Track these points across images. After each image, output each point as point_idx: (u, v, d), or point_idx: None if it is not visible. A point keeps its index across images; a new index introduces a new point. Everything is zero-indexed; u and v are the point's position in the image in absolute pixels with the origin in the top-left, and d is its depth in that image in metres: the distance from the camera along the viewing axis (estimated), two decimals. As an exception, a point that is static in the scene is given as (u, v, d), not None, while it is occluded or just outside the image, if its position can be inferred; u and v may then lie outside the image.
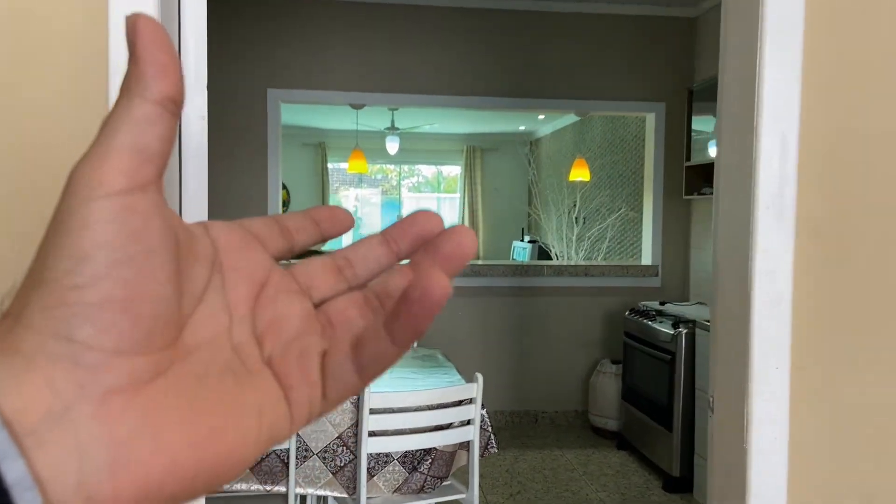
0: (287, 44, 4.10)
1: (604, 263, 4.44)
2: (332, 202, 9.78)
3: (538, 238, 7.36)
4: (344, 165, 9.87)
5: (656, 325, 3.54)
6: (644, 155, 5.12)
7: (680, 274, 4.47)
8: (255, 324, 0.26)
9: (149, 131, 0.21)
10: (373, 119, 7.33)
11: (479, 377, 2.19)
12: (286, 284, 0.27)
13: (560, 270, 4.33)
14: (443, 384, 2.28)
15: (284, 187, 9.58)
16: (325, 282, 0.28)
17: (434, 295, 0.23)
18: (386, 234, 0.29)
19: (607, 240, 5.58)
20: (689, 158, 4.04)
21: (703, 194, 3.87)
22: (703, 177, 3.96)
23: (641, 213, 5.50)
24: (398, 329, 0.24)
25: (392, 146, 6.78)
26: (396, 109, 6.78)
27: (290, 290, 0.27)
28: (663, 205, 4.44)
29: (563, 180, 5.74)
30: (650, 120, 4.49)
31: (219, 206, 4.24)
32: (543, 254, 6.51)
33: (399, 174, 10.13)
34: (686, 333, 3.32)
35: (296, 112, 7.61)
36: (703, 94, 3.96)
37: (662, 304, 3.90)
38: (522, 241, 7.27)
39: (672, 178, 4.44)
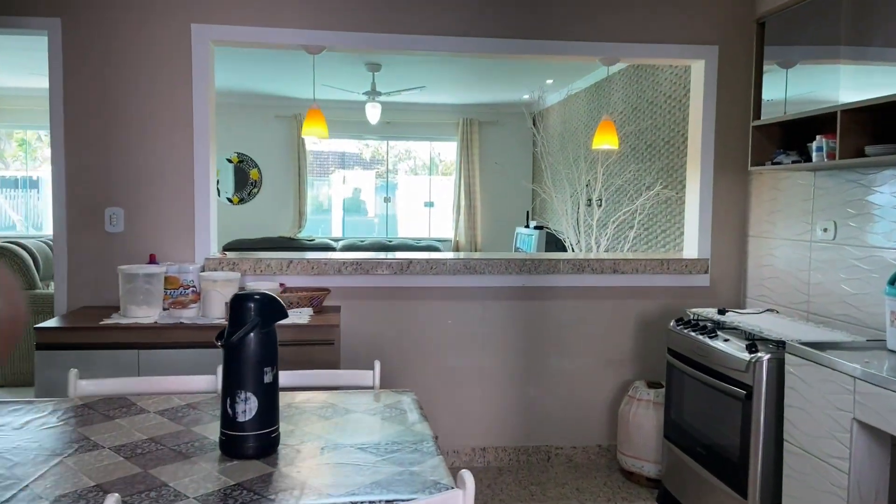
0: (216, -37, 3.11)
1: (639, 257, 3.48)
2: (309, 185, 8.78)
3: (546, 224, 6.39)
4: (336, 143, 8.91)
5: (720, 346, 2.59)
6: (687, 117, 4.15)
7: (735, 270, 3.51)
8: None
9: None
10: (351, 82, 6.33)
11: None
12: None
13: (580, 266, 3.37)
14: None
15: (255, 166, 8.61)
16: None
17: None
18: None
19: (635, 226, 4.62)
20: (758, 116, 3.06)
21: (779, 163, 2.91)
22: (778, 140, 3.00)
23: (680, 193, 4.53)
24: None
25: (373, 113, 5.79)
26: (378, 70, 5.78)
27: None
28: (714, 180, 3.47)
29: (578, 153, 4.76)
30: (697, 69, 3.51)
31: (130, 185, 3.31)
32: (553, 243, 5.55)
33: (387, 150, 9.13)
34: (770, 360, 2.37)
35: (267, 78, 6.59)
36: (780, 27, 2.98)
37: (722, 312, 2.94)
38: (527, 227, 6.31)
39: (728, 145, 3.46)
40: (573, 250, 4.65)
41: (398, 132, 8.87)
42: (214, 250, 3.24)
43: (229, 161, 8.49)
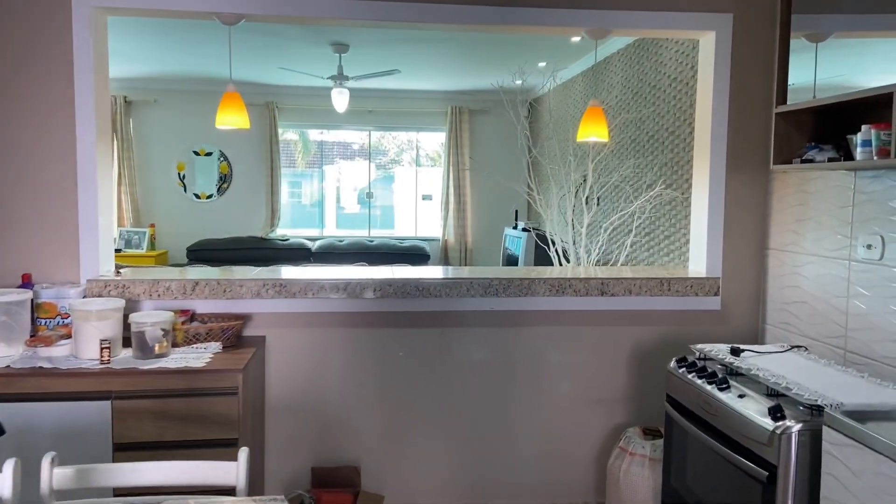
0: None
1: (633, 275, 2.88)
2: (282, 181, 8.19)
3: (537, 225, 5.79)
4: (334, 135, 8.33)
5: (734, 404, 2.00)
6: (694, 102, 3.54)
7: (752, 291, 2.91)
8: None
9: None
10: (316, 66, 5.73)
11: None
12: None
13: (560, 287, 2.77)
14: None
15: (225, 159, 8.03)
16: None
17: None
18: None
19: (633, 232, 4.01)
20: (783, 100, 2.45)
21: (810, 160, 2.30)
22: (809, 131, 2.38)
23: (686, 194, 3.91)
24: None
25: (340, 100, 5.19)
26: (345, 52, 5.18)
27: None
28: (727, 180, 2.86)
29: (566, 146, 4.15)
30: (707, 44, 2.89)
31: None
32: (542, 246, 4.94)
33: (369, 141, 8.52)
34: (801, 432, 1.77)
35: (231, 61, 6.00)
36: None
37: (736, 351, 2.34)
38: (515, 228, 5.71)
39: (744, 137, 2.85)
40: (560, 258, 4.05)
41: (383, 121, 8.26)
42: (104, 268, 2.66)
43: (196, 153, 7.91)
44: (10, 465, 1.16)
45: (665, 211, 4.16)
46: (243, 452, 1.43)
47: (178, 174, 7.90)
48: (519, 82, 6.34)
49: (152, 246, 7.68)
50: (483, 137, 8.19)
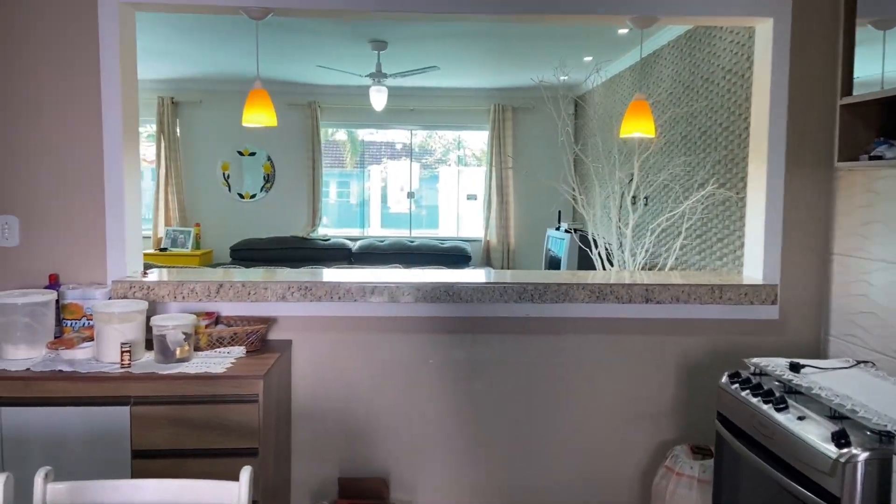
0: None
1: (682, 281, 2.69)
2: (330, 180, 8.19)
3: (581, 227, 5.60)
4: (376, 133, 8.32)
5: (792, 426, 1.81)
6: (750, 95, 3.32)
7: (813, 300, 2.69)
8: None
9: None
10: (354, 64, 5.67)
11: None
12: None
13: (600, 293, 2.61)
14: None
15: (268, 158, 8.07)
16: None
17: None
18: None
19: (682, 234, 3.80)
20: (848, 91, 2.23)
21: (879, 157, 2.08)
22: (878, 125, 2.17)
23: (741, 193, 3.69)
24: None
25: (378, 98, 5.12)
26: (384, 49, 5.11)
27: None
28: (787, 179, 2.65)
29: (612, 143, 3.96)
30: (764, 32, 2.68)
31: (25, 187, 2.47)
32: (585, 249, 4.76)
33: (411, 140, 8.44)
34: (869, 461, 1.58)
35: (275, 61, 6.00)
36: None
37: (796, 367, 2.14)
38: (558, 229, 5.53)
39: (805, 132, 2.63)
40: (603, 262, 3.86)
41: (423, 121, 8.17)
42: (131, 269, 2.62)
43: (240, 153, 7.98)
44: (1, 479, 1.09)
45: (718, 212, 3.93)
46: (245, 472, 1.34)
47: (223, 174, 7.98)
48: (563, 78, 6.16)
49: (197, 245, 7.78)
50: (527, 136, 8.02)
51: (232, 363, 2.27)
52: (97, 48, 2.52)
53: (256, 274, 2.70)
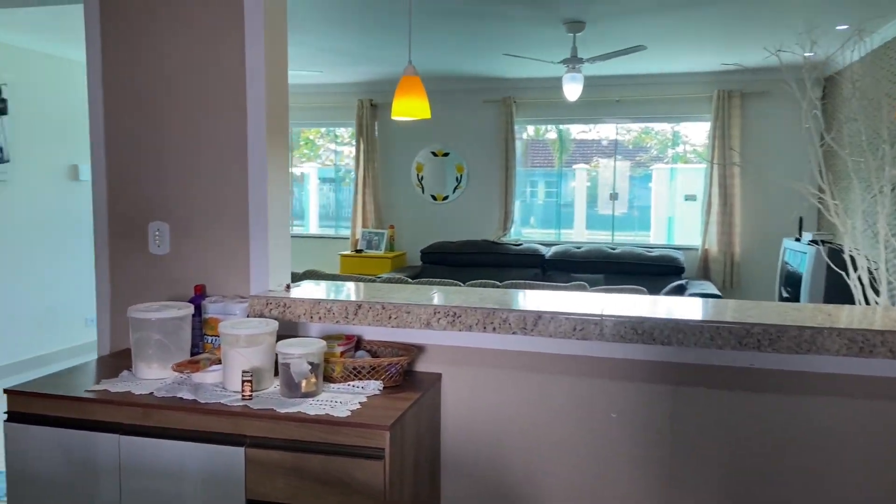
0: None
1: None
2: (518, 182, 7.76)
3: (831, 237, 4.52)
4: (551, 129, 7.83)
5: None
6: None
7: None
8: None
9: None
10: (545, 50, 5.14)
11: None
12: None
13: (866, 343, 1.82)
14: None
15: (461, 158, 7.85)
16: None
17: None
18: None
19: None
20: None
21: None
22: None
23: None
24: None
25: (572, 89, 4.55)
26: (581, 31, 4.53)
27: None
28: None
29: (884, 129, 2.99)
30: None
31: (174, 193, 2.46)
32: (842, 267, 3.76)
33: (616, 135, 7.70)
34: None
35: (469, 56, 5.74)
36: None
37: None
38: (799, 240, 4.51)
39: None
40: (864, 287, 2.93)
41: (630, 112, 7.40)
42: (274, 283, 2.40)
43: (434, 154, 7.87)
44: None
45: None
46: None
47: (417, 175, 7.94)
48: (808, 54, 5.09)
49: (391, 247, 7.82)
50: (759, 126, 6.88)
51: (361, 403, 1.91)
52: (242, 36, 2.32)
53: (402, 293, 2.33)
